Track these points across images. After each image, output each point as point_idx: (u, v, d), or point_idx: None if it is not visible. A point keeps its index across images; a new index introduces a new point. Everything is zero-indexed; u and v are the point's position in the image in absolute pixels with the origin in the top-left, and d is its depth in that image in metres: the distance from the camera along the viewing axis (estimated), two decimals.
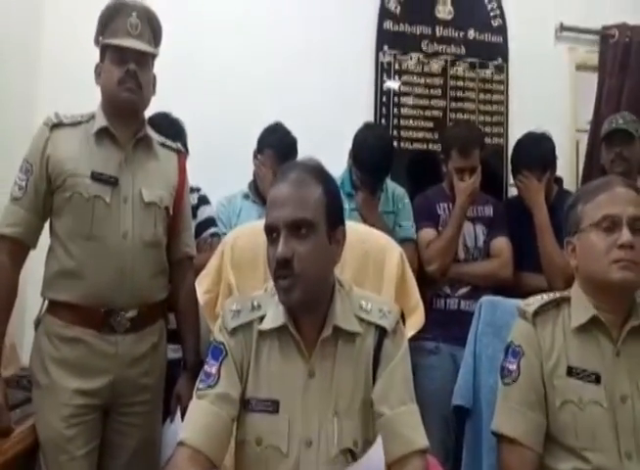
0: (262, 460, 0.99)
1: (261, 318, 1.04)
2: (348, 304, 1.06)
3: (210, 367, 1.01)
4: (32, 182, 1.42)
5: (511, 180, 2.35)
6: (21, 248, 1.44)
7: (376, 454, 0.58)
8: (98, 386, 1.41)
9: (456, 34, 2.72)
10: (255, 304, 1.06)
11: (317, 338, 1.03)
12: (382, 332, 1.05)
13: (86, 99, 1.51)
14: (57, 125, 1.45)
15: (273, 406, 1.00)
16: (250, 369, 1.02)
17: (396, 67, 2.66)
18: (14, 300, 1.43)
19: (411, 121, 2.65)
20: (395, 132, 2.61)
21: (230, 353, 1.02)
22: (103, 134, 1.46)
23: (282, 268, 0.96)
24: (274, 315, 1.04)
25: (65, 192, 1.41)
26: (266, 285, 1.13)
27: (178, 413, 1.56)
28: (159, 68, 1.57)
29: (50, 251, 1.46)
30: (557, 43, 2.83)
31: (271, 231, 1.00)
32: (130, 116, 1.49)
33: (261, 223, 1.52)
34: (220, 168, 2.23)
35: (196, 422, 0.96)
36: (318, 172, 1.04)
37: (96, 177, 1.42)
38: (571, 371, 1.16)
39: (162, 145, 1.59)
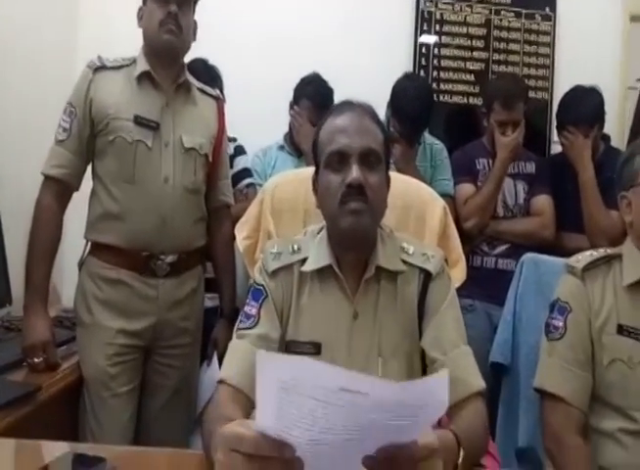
0: None
1: (302, 261, 1.03)
2: (391, 245, 1.04)
3: (251, 308, 1.00)
4: (76, 125, 1.42)
5: (555, 137, 2.26)
6: (66, 189, 1.46)
7: (439, 383, 0.55)
8: (140, 327, 1.45)
9: None
10: (295, 247, 1.04)
11: (359, 279, 1.01)
12: (426, 276, 1.02)
13: (125, 49, 1.51)
14: (99, 68, 1.45)
15: (315, 348, 0.99)
16: (290, 312, 1.01)
17: (437, 16, 2.54)
18: (59, 241, 1.46)
19: (451, 74, 2.54)
20: (435, 85, 2.51)
21: (270, 295, 1.01)
22: (144, 78, 1.46)
23: (354, 194, 0.94)
24: (317, 256, 1.02)
25: (107, 135, 1.42)
26: (305, 229, 1.11)
27: (215, 358, 1.60)
28: (200, 14, 1.55)
29: (93, 194, 1.48)
30: None
31: (338, 159, 0.97)
32: (171, 59, 1.48)
33: (302, 171, 1.53)
34: (257, 120, 2.19)
35: (236, 362, 0.95)
36: (374, 114, 1.04)
37: (138, 121, 1.42)
38: (621, 329, 1.12)
39: (202, 91, 1.58)
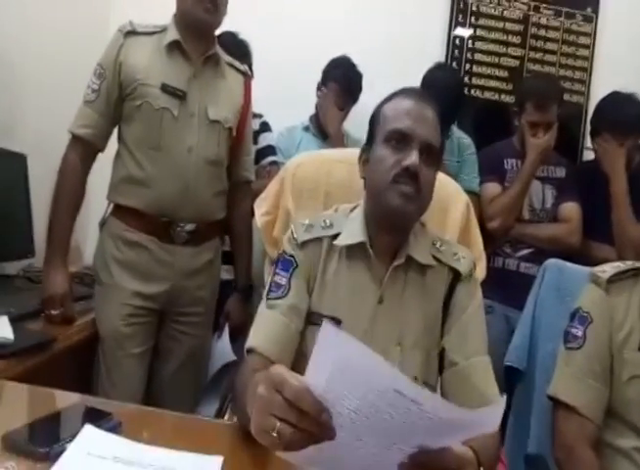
0: None
1: (333, 237, 1.01)
2: (423, 239, 1.03)
3: (281, 278, 0.99)
4: (105, 87, 1.43)
5: (588, 143, 2.20)
6: (92, 150, 1.47)
7: (495, 413, 0.53)
8: (156, 291, 1.46)
9: None
10: (328, 222, 1.03)
11: (389, 264, 0.99)
12: (455, 276, 1.01)
13: (158, 15, 1.49)
14: (130, 33, 1.45)
15: (335, 324, 0.96)
16: (315, 284, 1.00)
17: (473, 8, 2.47)
18: (82, 199, 1.47)
19: (484, 68, 2.47)
20: (467, 79, 2.44)
21: (300, 266, 1.00)
22: (174, 47, 1.45)
23: (408, 178, 0.93)
24: (351, 233, 1.00)
25: (135, 100, 1.42)
26: (336, 206, 1.10)
27: (226, 330, 1.63)
28: None
29: (117, 156, 1.49)
30: None
31: (399, 138, 0.95)
32: (203, 33, 1.47)
33: (326, 152, 1.51)
34: (283, 98, 2.14)
35: (266, 331, 0.94)
36: (435, 109, 1.00)
37: (165, 89, 1.42)
38: None
39: (230, 66, 1.58)
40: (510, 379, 1.36)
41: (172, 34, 1.45)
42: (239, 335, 1.64)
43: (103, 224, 1.52)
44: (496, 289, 1.78)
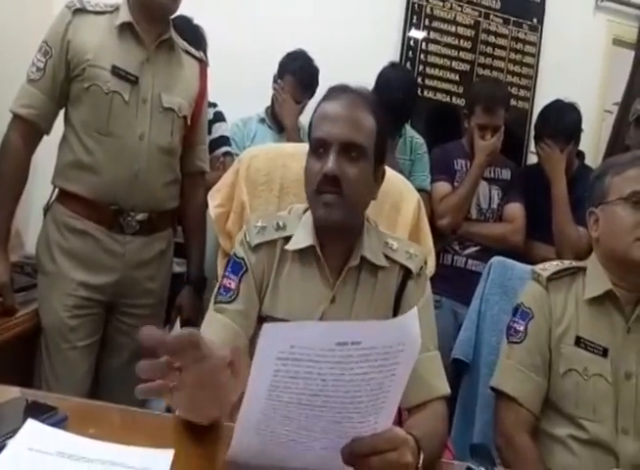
0: None
1: (286, 239, 1.01)
2: (376, 239, 1.04)
3: (230, 282, 0.98)
4: (51, 66, 1.36)
5: (532, 147, 2.29)
6: (35, 131, 1.40)
7: (410, 322, 0.60)
8: (103, 282, 1.41)
9: None
10: (281, 223, 1.02)
11: (341, 266, 1.00)
12: (406, 273, 1.03)
13: None
14: (79, 10, 1.38)
15: None
16: (268, 288, 1.00)
17: (427, 11, 2.52)
18: (25, 182, 1.41)
19: (437, 71, 2.53)
20: (420, 80, 2.50)
21: (250, 270, 0.99)
22: (126, 29, 1.39)
23: (328, 185, 0.93)
24: (302, 236, 1.00)
25: (83, 82, 1.35)
26: (290, 207, 1.09)
27: (177, 323, 1.60)
28: None
29: (64, 140, 1.42)
30: (596, 12, 2.70)
31: (320, 146, 0.95)
32: (159, 17, 1.42)
33: (280, 146, 1.50)
34: (239, 88, 2.11)
35: (215, 336, 0.92)
36: (372, 102, 0.99)
37: (116, 72, 1.36)
38: (579, 341, 1.14)
39: (186, 52, 1.53)
40: (457, 372, 1.41)
41: (124, 15, 1.38)
42: (190, 326, 1.61)
43: (47, 210, 1.45)
44: (445, 285, 1.86)
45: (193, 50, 1.56)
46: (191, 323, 1.60)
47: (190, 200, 1.60)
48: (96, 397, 1.45)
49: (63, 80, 1.36)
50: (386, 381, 0.59)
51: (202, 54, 1.60)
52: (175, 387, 0.64)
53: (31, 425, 0.69)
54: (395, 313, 1.01)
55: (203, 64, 1.57)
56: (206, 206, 1.41)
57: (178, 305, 1.63)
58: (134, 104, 1.38)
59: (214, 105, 1.96)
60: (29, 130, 1.38)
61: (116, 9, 1.40)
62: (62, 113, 1.44)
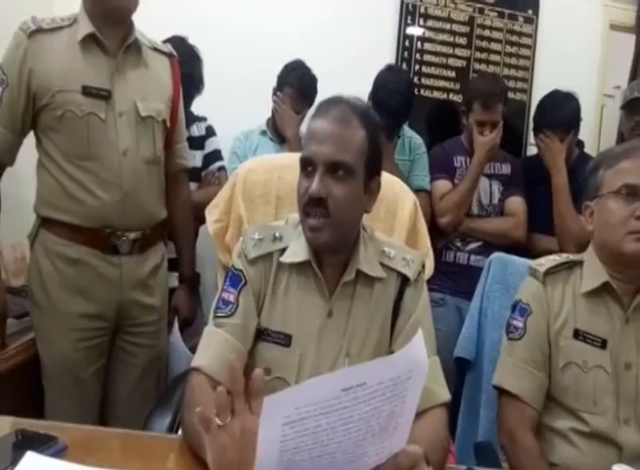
0: (268, 391, 0.98)
1: (282, 250, 1.01)
2: (372, 249, 1.03)
3: (229, 295, 0.98)
4: (8, 96, 1.28)
5: (531, 139, 2.28)
6: None
7: (416, 348, 0.59)
8: (103, 309, 1.37)
9: None
10: (277, 235, 1.02)
11: (338, 279, 1.00)
12: (404, 280, 1.02)
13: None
14: (36, 32, 1.28)
15: (285, 340, 0.98)
16: (265, 300, 1.00)
17: (422, 10, 2.52)
18: None
19: (433, 69, 2.54)
20: (416, 79, 2.50)
21: (249, 282, 0.99)
22: (89, 41, 1.31)
23: (314, 206, 0.93)
24: (297, 249, 1.00)
25: (55, 110, 1.28)
26: (287, 217, 1.08)
27: (176, 326, 1.58)
28: None
29: (41, 168, 1.35)
30: None
31: (307, 165, 0.95)
32: (120, 21, 1.34)
33: (275, 157, 1.52)
34: (236, 103, 2.14)
35: (213, 352, 0.94)
36: (364, 114, 0.97)
37: (87, 92, 1.29)
38: (577, 334, 1.15)
39: (153, 49, 1.46)
40: (460, 370, 1.42)
41: (85, 27, 1.29)
42: (188, 325, 1.63)
43: (34, 238, 1.37)
44: (448, 282, 1.89)
45: (161, 45, 1.48)
46: (189, 322, 1.61)
47: (176, 200, 1.54)
48: (104, 417, 1.44)
49: (24, 111, 1.29)
50: (397, 409, 0.58)
51: (169, 47, 1.52)
52: (220, 428, 0.64)
53: (31, 457, 0.68)
54: (394, 321, 1.01)
55: (173, 58, 1.50)
56: (192, 203, 1.40)
57: (174, 307, 1.60)
58: (112, 121, 1.32)
59: (204, 119, 1.98)
60: None
61: (75, 21, 1.31)
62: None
